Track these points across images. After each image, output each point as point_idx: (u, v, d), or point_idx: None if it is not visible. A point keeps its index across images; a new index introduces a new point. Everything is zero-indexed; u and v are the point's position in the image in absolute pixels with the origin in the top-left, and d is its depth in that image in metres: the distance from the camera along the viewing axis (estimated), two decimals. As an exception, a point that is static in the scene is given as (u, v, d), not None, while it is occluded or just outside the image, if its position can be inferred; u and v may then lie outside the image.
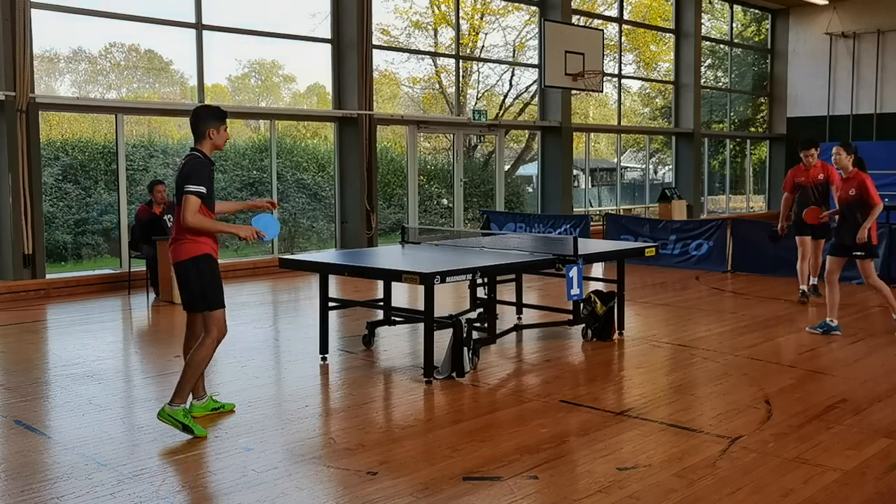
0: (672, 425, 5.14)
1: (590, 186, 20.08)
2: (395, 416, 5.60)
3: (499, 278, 7.67)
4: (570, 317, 7.57)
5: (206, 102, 12.54)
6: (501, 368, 6.73)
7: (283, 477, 4.38)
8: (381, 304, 7.54)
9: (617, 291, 7.81)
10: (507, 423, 5.24)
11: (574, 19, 17.46)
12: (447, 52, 17.14)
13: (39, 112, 10.61)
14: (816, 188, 9.27)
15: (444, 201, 16.22)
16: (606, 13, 19.61)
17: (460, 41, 16.79)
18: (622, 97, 20.05)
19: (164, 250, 9.88)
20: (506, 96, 18.93)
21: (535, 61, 17.08)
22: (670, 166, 21.65)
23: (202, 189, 4.96)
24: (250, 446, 4.83)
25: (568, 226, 14.26)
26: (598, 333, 7.63)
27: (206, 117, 5.13)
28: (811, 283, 9.71)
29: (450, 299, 9.60)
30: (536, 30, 17.03)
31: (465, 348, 6.36)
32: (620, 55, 19.62)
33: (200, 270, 5.04)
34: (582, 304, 7.49)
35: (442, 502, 4.02)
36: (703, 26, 21.17)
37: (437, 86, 18.04)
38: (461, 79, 17.25)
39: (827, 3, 21.77)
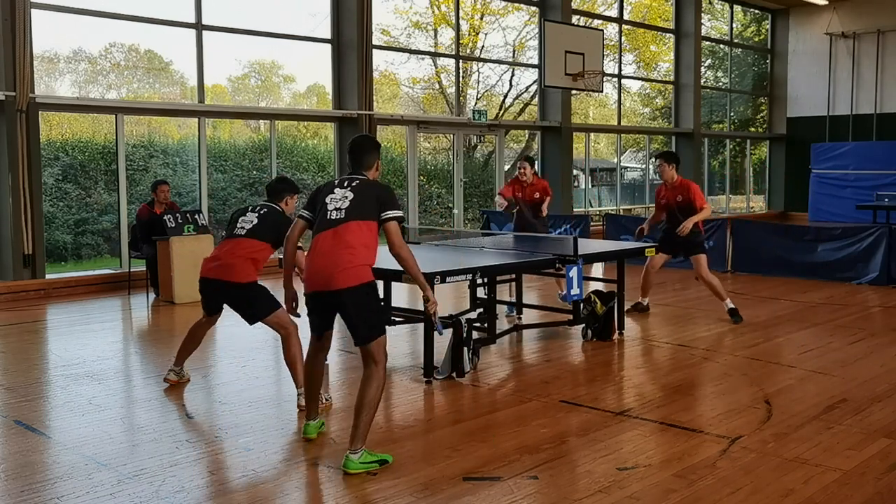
0: (672, 425, 5.14)
1: (590, 186, 20.08)
2: (395, 416, 5.60)
3: (499, 278, 7.66)
4: (570, 317, 7.57)
5: (207, 102, 12.60)
6: (501, 368, 6.73)
7: (283, 477, 4.38)
8: (381, 303, 7.52)
9: (617, 291, 7.81)
10: (507, 423, 5.24)
11: (574, 19, 17.45)
12: (447, 53, 17.14)
13: (39, 112, 10.60)
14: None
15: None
16: (606, 13, 19.61)
17: (460, 41, 16.79)
18: (622, 97, 20.04)
19: (165, 250, 9.91)
20: (506, 96, 18.93)
21: (535, 61, 17.08)
22: (670, 166, 21.62)
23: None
24: (250, 446, 4.83)
25: (568, 226, 14.24)
26: (598, 333, 7.63)
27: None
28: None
29: (450, 299, 9.60)
30: (536, 30, 17.03)
31: (465, 348, 6.36)
32: (620, 55, 19.62)
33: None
34: (582, 304, 7.49)
35: (442, 502, 4.02)
36: (703, 26, 21.16)
37: (437, 86, 18.05)
38: (461, 79, 17.24)
39: (827, 3, 21.76)
